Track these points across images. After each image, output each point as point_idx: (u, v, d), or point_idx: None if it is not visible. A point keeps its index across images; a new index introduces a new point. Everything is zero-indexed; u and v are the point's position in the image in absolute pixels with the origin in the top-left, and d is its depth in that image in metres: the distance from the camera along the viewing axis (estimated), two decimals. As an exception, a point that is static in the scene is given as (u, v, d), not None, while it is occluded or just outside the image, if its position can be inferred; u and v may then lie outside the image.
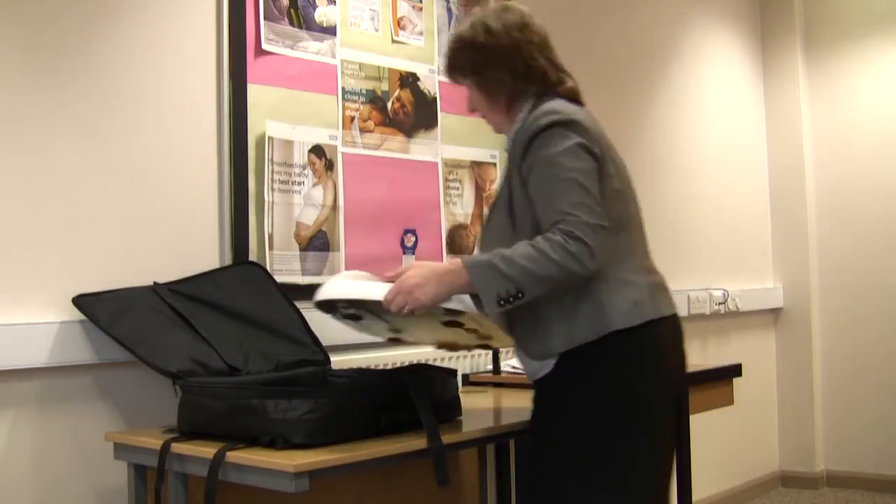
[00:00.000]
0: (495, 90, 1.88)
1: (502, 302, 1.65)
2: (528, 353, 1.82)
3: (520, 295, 1.64)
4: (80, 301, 1.99)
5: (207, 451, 1.68)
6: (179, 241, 2.25)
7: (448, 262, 1.73)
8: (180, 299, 2.12)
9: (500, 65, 1.86)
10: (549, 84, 1.87)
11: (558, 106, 1.79)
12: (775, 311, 4.91)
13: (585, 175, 1.70)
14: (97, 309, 1.98)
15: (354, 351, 2.47)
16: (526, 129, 1.78)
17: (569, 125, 1.73)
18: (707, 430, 3.78)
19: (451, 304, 1.73)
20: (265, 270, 2.33)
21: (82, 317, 2.02)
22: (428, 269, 1.75)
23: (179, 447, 1.76)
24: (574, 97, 1.89)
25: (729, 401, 2.83)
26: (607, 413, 1.73)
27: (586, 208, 1.67)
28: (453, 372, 2.02)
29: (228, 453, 1.65)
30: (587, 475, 1.72)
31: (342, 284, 1.87)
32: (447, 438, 1.83)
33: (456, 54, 1.92)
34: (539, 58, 1.87)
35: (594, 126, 1.80)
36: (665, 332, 1.82)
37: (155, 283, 2.13)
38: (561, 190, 1.69)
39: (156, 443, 1.79)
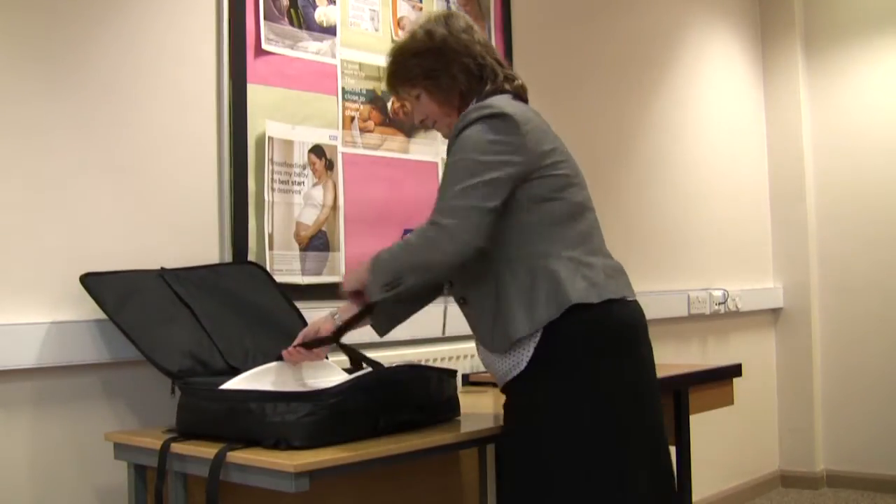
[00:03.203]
0: (449, 92, 1.89)
1: (387, 287, 1.74)
2: (492, 348, 1.78)
3: (398, 282, 1.74)
4: (88, 280, 1.98)
5: (208, 451, 1.68)
6: (179, 241, 2.25)
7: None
8: (186, 287, 2.12)
9: (454, 66, 1.87)
10: (499, 83, 1.88)
11: (494, 101, 1.80)
12: (775, 311, 4.91)
13: (489, 165, 1.71)
14: (104, 290, 1.97)
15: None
16: (458, 124, 1.80)
17: (497, 118, 1.74)
18: (707, 430, 3.78)
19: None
20: (265, 270, 2.33)
21: (80, 317, 2.02)
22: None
23: (179, 447, 1.76)
24: (522, 94, 1.91)
25: (729, 401, 2.83)
26: (597, 402, 1.71)
27: (466, 192, 1.70)
28: (453, 372, 2.02)
29: (229, 453, 1.65)
30: (583, 469, 1.69)
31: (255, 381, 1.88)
32: (447, 438, 1.83)
33: (402, 64, 1.92)
34: (488, 58, 1.89)
35: (534, 120, 1.81)
36: (634, 314, 1.81)
37: (162, 269, 2.13)
38: (452, 178, 1.74)
39: (156, 443, 1.79)
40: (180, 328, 2.02)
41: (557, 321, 1.70)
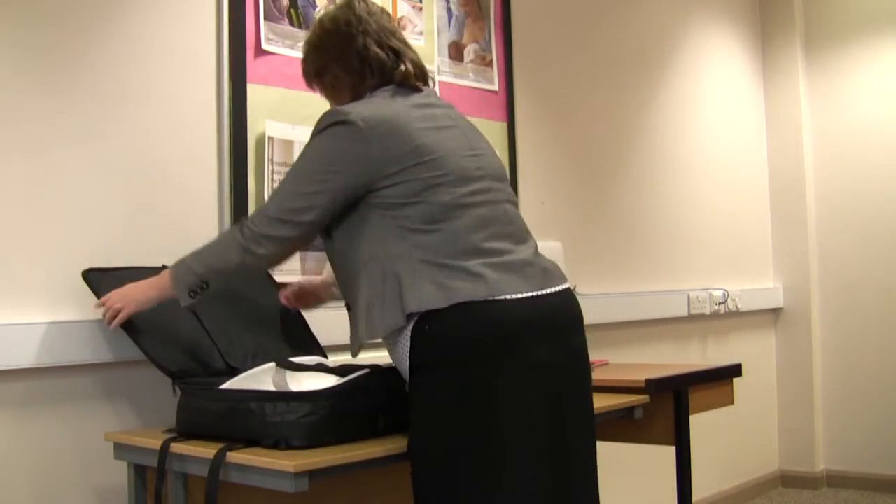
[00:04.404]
0: (337, 89, 1.84)
1: (192, 294, 1.77)
2: (351, 347, 1.76)
3: (204, 286, 1.76)
4: (90, 276, 1.98)
5: (207, 451, 1.68)
6: (179, 241, 2.25)
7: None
8: None
9: (336, 63, 1.81)
10: (387, 73, 1.80)
11: (350, 106, 1.72)
12: (775, 311, 4.91)
13: (315, 178, 1.69)
14: (105, 286, 1.97)
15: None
16: (314, 127, 1.75)
17: (339, 126, 1.68)
18: (707, 430, 3.78)
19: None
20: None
21: (80, 316, 2.02)
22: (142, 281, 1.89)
23: (179, 447, 1.76)
24: (407, 82, 1.80)
25: (729, 401, 2.83)
26: (441, 410, 1.62)
27: (279, 201, 1.71)
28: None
29: (229, 454, 1.65)
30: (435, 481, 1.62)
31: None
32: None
33: (304, 59, 1.89)
34: (373, 47, 1.78)
35: (393, 120, 1.68)
36: (512, 313, 1.63)
37: (164, 266, 2.13)
38: (280, 185, 1.74)
39: (156, 443, 1.79)
40: (181, 327, 2.02)
41: (416, 327, 1.63)
